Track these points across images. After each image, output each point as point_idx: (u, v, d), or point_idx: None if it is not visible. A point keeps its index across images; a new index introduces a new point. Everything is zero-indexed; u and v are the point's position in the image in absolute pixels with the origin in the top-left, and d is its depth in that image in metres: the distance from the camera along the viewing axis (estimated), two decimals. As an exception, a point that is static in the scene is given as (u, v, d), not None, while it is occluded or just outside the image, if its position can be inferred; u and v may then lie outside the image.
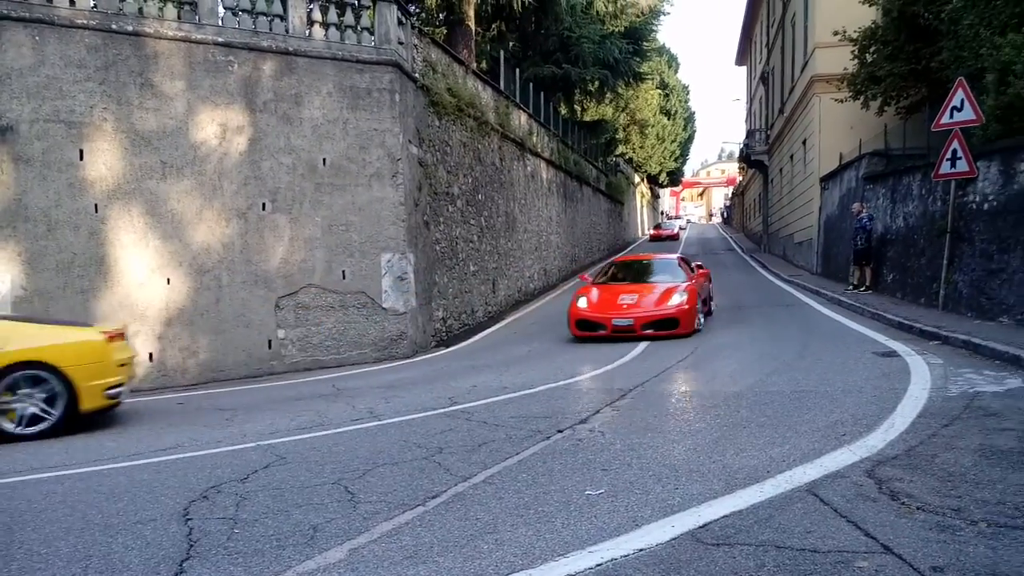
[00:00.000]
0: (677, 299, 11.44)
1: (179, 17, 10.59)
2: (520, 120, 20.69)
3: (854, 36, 16.11)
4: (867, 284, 15.36)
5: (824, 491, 3.81)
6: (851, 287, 15.90)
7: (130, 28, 10.10)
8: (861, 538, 3.19)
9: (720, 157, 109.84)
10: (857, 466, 4.23)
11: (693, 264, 13.79)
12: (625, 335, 11.21)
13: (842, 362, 8.11)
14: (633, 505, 3.79)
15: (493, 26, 25.68)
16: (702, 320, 11.98)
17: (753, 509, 3.61)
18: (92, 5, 10.08)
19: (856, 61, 16.32)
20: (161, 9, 10.47)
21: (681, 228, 59.31)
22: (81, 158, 9.77)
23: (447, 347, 13.10)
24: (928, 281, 12.40)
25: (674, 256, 13.43)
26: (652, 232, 53.22)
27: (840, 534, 3.24)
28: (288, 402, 8.05)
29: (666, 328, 11.16)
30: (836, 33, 16.63)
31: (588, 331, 11.63)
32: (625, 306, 11.50)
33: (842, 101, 17.64)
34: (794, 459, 4.44)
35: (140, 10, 10.29)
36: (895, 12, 14.56)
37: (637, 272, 13.45)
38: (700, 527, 3.41)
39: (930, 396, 6.06)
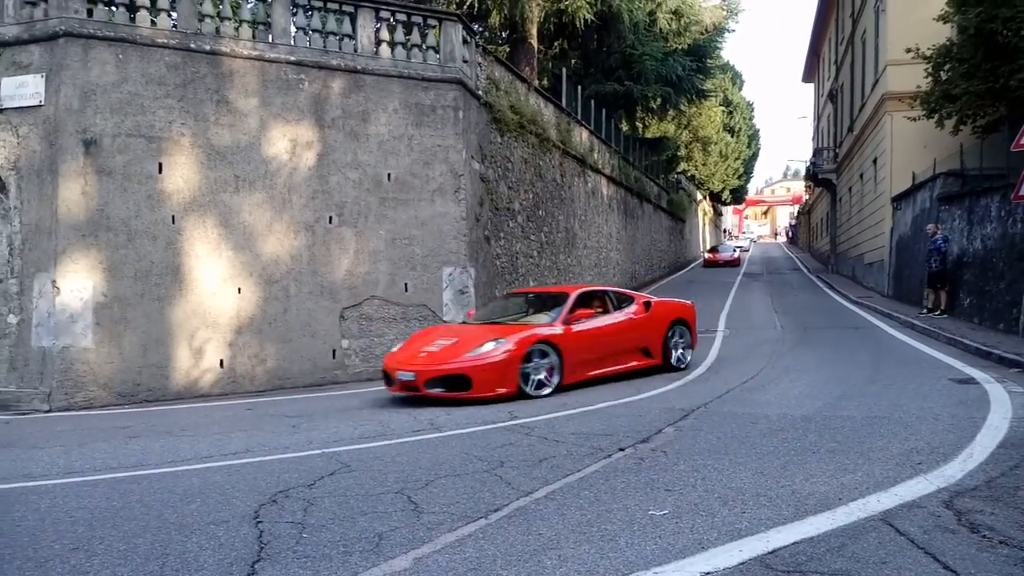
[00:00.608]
0: (485, 349, 8.33)
1: (254, 37, 10.97)
2: (581, 137, 20.72)
3: (928, 54, 15.64)
4: (942, 308, 14.83)
5: (900, 521, 3.69)
6: (925, 310, 15.38)
7: (207, 47, 10.50)
8: (940, 571, 3.07)
9: (785, 175, 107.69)
10: (934, 496, 4.08)
11: (627, 295, 10.60)
12: (412, 393, 8.49)
13: (916, 388, 7.83)
14: (699, 527, 3.73)
15: (556, 44, 25.87)
16: (534, 381, 8.48)
17: (825, 537, 3.51)
18: (172, 25, 10.52)
19: (930, 79, 15.85)
20: (237, 29, 10.87)
21: (743, 250, 49.62)
22: (160, 171, 10.17)
23: (506, 362, 13.10)
24: (1008, 306, 11.91)
25: (574, 290, 9.96)
26: (707, 256, 42.53)
27: (918, 566, 3.12)
28: (351, 411, 8.19)
29: (457, 389, 8.25)
30: (909, 50, 16.19)
31: (388, 384, 8.97)
32: (423, 355, 8.60)
33: (915, 120, 17.13)
34: (867, 487, 4.30)
35: (217, 30, 10.71)
36: (972, 29, 14.09)
37: (514, 307, 10.49)
38: (769, 553, 3.33)
39: (1011, 426, 5.81)
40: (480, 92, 13.46)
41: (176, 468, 5.51)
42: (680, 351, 10.55)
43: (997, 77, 13.86)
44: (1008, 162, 13.21)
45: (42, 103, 9.80)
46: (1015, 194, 11.06)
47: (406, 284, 11.77)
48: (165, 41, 10.26)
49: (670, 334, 10.39)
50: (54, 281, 9.51)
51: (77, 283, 9.61)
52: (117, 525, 4.10)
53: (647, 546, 3.49)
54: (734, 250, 42.15)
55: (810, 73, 46.21)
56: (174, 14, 10.58)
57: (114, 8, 10.28)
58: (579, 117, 20.74)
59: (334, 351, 11.23)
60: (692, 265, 42.54)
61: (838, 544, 3.40)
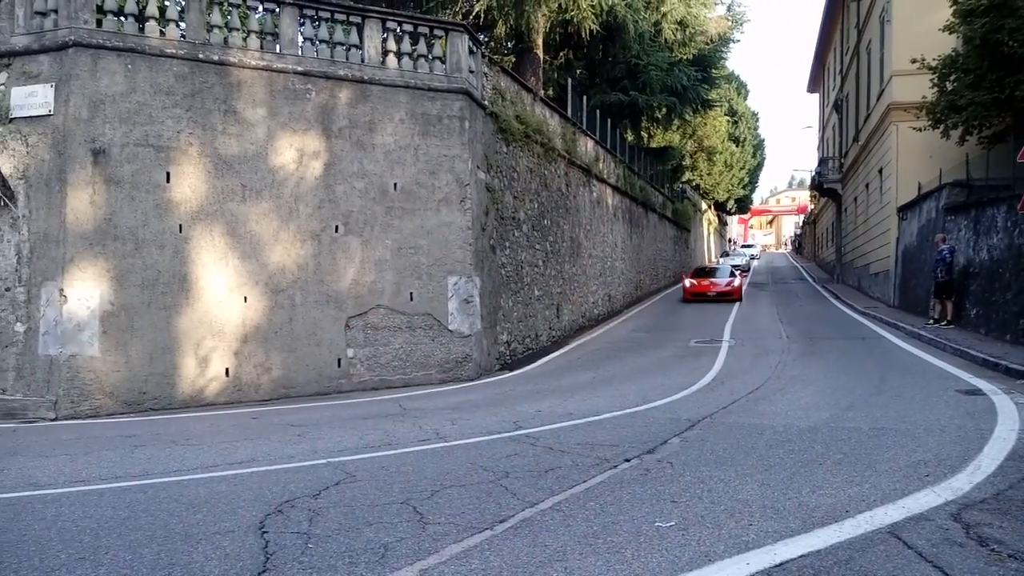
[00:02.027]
0: None
1: (261, 47, 11.03)
2: (586, 146, 20.76)
3: (933, 64, 15.65)
4: (948, 318, 14.79)
5: (907, 534, 3.67)
6: (931, 321, 15.32)
7: (216, 58, 10.57)
8: (949, 585, 3.06)
9: (790, 185, 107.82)
10: (942, 509, 4.06)
11: None
12: None
13: (923, 399, 7.80)
14: (705, 539, 3.72)
15: (561, 54, 25.92)
16: None
17: (832, 549, 3.50)
18: (181, 36, 10.59)
19: (935, 89, 15.84)
20: (245, 39, 10.93)
21: (742, 271, 34.35)
22: (167, 180, 10.22)
23: (511, 371, 13.13)
24: (1014, 317, 11.86)
25: None
26: (689, 284, 26.15)
27: (926, 579, 3.11)
28: (356, 420, 8.19)
29: None
30: (914, 61, 16.20)
31: None
32: None
33: (921, 130, 17.11)
34: (874, 499, 4.28)
35: (225, 40, 10.77)
36: (977, 40, 14.10)
37: None
38: (776, 566, 3.32)
39: (1019, 438, 5.78)
40: (486, 102, 13.50)
41: (182, 477, 5.51)
42: None
43: (1003, 87, 13.86)
44: (1014, 172, 13.20)
45: (51, 112, 9.87)
46: (1021, 204, 11.04)
47: (411, 293, 11.78)
48: (174, 51, 10.33)
49: None
50: (61, 290, 9.55)
51: (84, 292, 9.65)
52: (123, 535, 4.10)
53: (653, 558, 3.48)
54: (732, 273, 26.76)
55: (815, 83, 46.26)
56: (183, 24, 10.65)
57: (123, 19, 10.35)
58: (584, 127, 20.77)
59: (339, 360, 11.24)
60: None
61: (846, 557, 3.39)
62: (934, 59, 15.66)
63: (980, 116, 14.89)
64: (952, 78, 15.40)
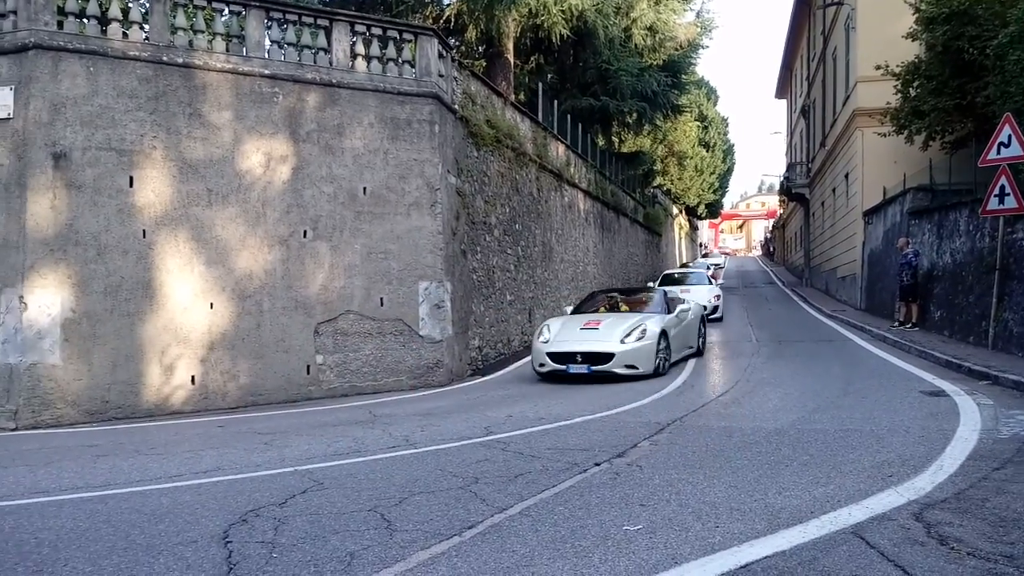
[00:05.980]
0: None
1: (227, 50, 10.91)
2: (558, 151, 20.82)
3: (897, 71, 15.95)
4: (913, 321, 15.04)
5: (870, 534, 3.71)
6: (897, 323, 15.58)
7: (180, 60, 10.43)
8: (910, 584, 3.09)
9: (760, 190, 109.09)
10: (904, 508, 4.11)
11: None
12: None
13: (888, 400, 7.91)
14: (672, 542, 3.72)
15: (532, 59, 25.98)
16: None
17: (797, 550, 3.52)
18: (144, 38, 10.43)
19: (899, 95, 16.14)
20: (210, 42, 10.80)
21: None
22: (131, 185, 10.05)
23: (483, 376, 13.09)
24: (977, 319, 12.10)
25: None
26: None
27: (888, 579, 3.14)
28: (325, 427, 8.10)
29: None
30: (878, 67, 16.49)
31: None
32: None
33: (885, 135, 17.42)
34: (839, 500, 4.32)
35: (190, 43, 10.64)
36: (939, 47, 14.39)
37: None
38: (741, 567, 3.33)
39: (980, 438, 5.88)
40: (456, 106, 13.48)
41: (145, 487, 5.40)
42: None
43: (964, 94, 14.15)
44: (976, 177, 13.45)
45: (10, 116, 9.66)
46: (983, 208, 11.27)
47: (382, 299, 11.71)
48: (137, 54, 10.17)
49: None
50: (21, 297, 9.34)
51: (45, 299, 9.45)
52: (83, 546, 4.01)
53: (621, 562, 3.48)
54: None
55: (783, 89, 46.93)
56: (146, 27, 10.49)
57: (85, 20, 10.18)
58: (555, 131, 20.83)
59: (308, 367, 11.12)
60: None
61: (810, 558, 3.41)
62: (898, 66, 15.96)
63: (943, 122, 15.19)
64: (915, 84, 15.69)
